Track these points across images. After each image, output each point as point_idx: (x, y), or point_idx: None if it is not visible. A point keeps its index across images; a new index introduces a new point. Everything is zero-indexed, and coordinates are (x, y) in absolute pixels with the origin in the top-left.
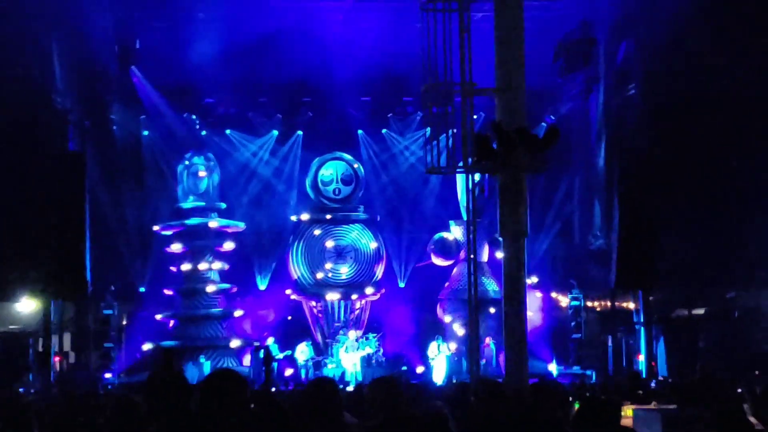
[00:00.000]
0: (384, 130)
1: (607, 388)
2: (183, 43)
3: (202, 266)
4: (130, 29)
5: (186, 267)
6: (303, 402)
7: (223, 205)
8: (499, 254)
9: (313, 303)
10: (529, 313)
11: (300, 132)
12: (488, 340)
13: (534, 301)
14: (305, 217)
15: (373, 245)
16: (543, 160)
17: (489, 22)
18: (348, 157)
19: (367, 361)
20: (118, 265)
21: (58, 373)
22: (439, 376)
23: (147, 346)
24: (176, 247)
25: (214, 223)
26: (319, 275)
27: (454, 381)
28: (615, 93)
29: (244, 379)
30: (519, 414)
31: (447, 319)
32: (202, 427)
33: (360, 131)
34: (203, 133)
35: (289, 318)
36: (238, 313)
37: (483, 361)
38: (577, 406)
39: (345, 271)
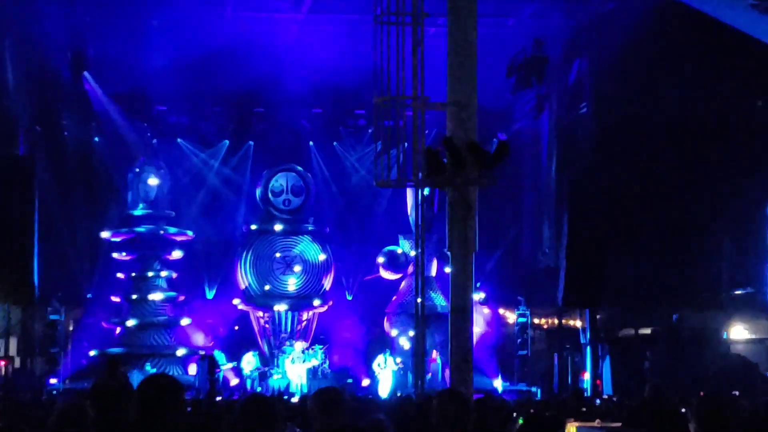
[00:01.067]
0: (335, 143)
1: (552, 405)
2: (136, 51)
3: (150, 274)
4: (83, 35)
5: (133, 274)
6: (237, 418)
7: (173, 214)
8: (448, 269)
9: (261, 313)
10: (477, 329)
11: (251, 142)
12: (435, 354)
13: (481, 317)
14: (254, 227)
15: (322, 257)
16: (492, 176)
17: (442, 38)
18: (299, 168)
19: (313, 372)
20: (66, 271)
21: (2, 378)
22: (384, 390)
23: (93, 353)
24: (124, 255)
25: (163, 232)
26: (267, 287)
27: (399, 394)
28: (566, 111)
29: (180, 385)
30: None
31: (394, 332)
32: None
33: (311, 143)
34: (154, 141)
35: (236, 328)
36: (184, 321)
37: (429, 375)
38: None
39: (293, 282)
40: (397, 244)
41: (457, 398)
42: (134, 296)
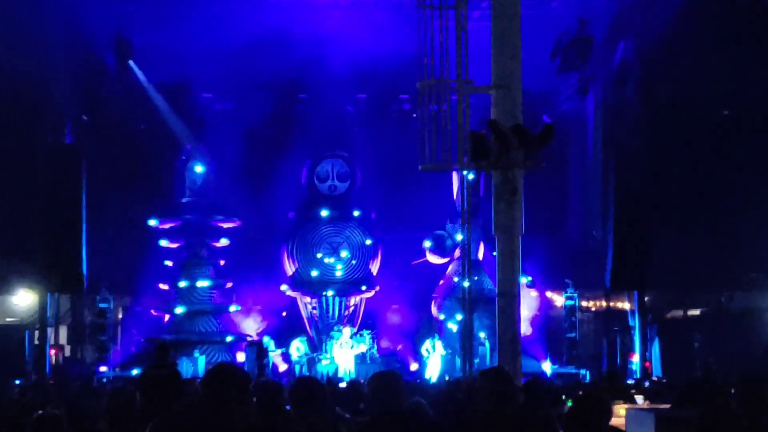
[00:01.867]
0: (380, 128)
1: (600, 387)
2: (180, 39)
3: (197, 262)
4: (128, 24)
5: (181, 262)
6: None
7: (219, 201)
8: (495, 253)
9: (308, 299)
10: (526, 312)
11: (296, 128)
12: (482, 337)
13: (531, 301)
14: (300, 214)
15: (368, 242)
16: (538, 158)
17: (486, 20)
18: (344, 153)
19: (361, 358)
20: (114, 259)
21: (53, 366)
22: (433, 374)
23: (144, 341)
24: (171, 242)
25: (211, 220)
26: (314, 273)
27: (447, 379)
28: (612, 93)
29: (246, 372)
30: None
31: (441, 316)
32: (207, 419)
33: (356, 128)
34: (200, 128)
35: (284, 314)
36: (233, 308)
37: (477, 360)
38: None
39: (340, 267)
40: (443, 228)
41: (501, 374)
42: (182, 284)
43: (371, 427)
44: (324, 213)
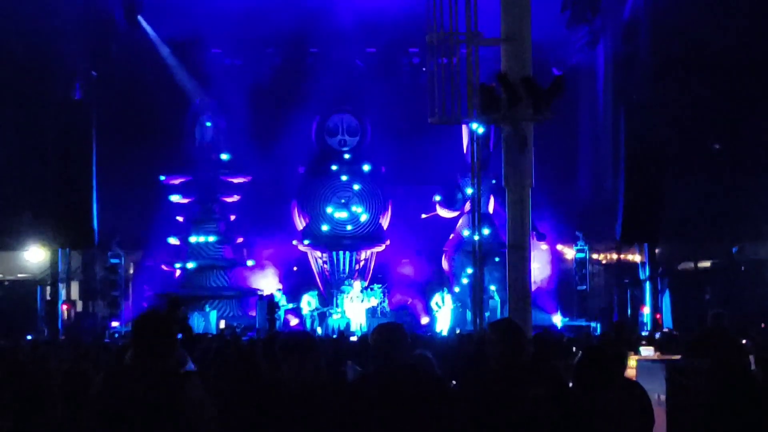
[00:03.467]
0: (389, 82)
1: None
2: None
3: (208, 217)
4: None
5: (192, 218)
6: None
7: (228, 156)
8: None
9: (319, 254)
10: (537, 265)
11: (305, 83)
12: (493, 290)
13: (542, 254)
14: (310, 168)
15: (379, 197)
16: (548, 111)
17: None
18: (353, 108)
19: (372, 311)
20: (125, 215)
21: (65, 322)
22: (443, 328)
23: (155, 296)
24: (182, 198)
25: (221, 175)
26: (324, 227)
27: (458, 332)
28: (622, 45)
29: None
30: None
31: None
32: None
33: (365, 82)
34: (209, 83)
35: (295, 269)
36: (248, 263)
37: (487, 313)
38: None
39: (351, 220)
40: (453, 182)
41: (511, 327)
42: (192, 239)
43: (371, 380)
44: (334, 167)
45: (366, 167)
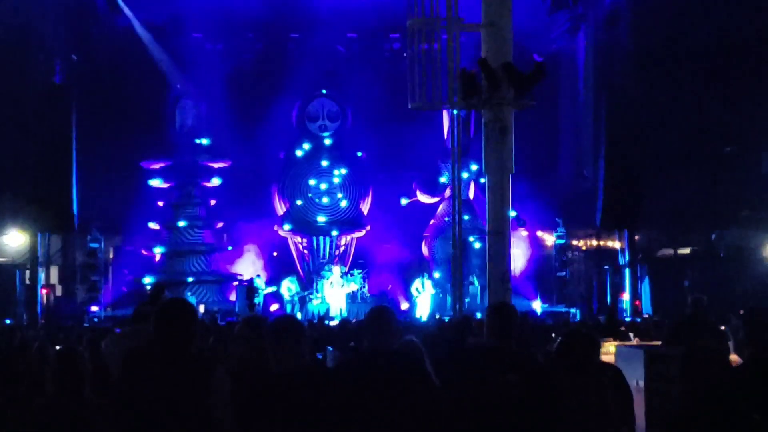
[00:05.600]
0: (370, 67)
1: (590, 326)
2: None
3: (188, 201)
4: None
5: (172, 202)
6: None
7: (209, 141)
8: None
9: (299, 239)
10: (517, 251)
11: (286, 68)
12: (473, 276)
13: (521, 240)
14: (291, 153)
15: (359, 182)
16: (529, 97)
17: None
18: (334, 93)
19: (351, 297)
20: (105, 200)
21: (45, 306)
22: (423, 313)
23: (147, 280)
24: (162, 182)
25: (202, 160)
26: (304, 211)
27: (438, 317)
28: (603, 32)
29: (193, 309)
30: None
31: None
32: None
33: (346, 67)
34: (190, 68)
35: (275, 254)
36: (227, 248)
37: (467, 299)
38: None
39: (330, 207)
40: (434, 167)
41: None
42: (173, 224)
43: (352, 364)
44: (315, 153)
45: (359, 153)
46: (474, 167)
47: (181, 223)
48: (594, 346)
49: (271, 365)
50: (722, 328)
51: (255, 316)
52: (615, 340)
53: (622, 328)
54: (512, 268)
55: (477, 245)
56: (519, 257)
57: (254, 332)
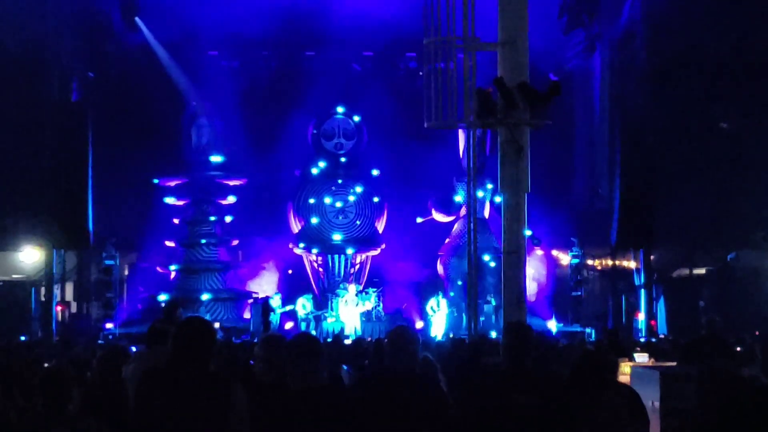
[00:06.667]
0: (386, 85)
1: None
2: None
3: (203, 219)
4: None
5: (187, 220)
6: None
7: (224, 158)
8: None
9: (314, 257)
10: (531, 271)
11: (302, 86)
12: (488, 296)
13: (537, 260)
14: (307, 171)
15: (375, 200)
16: (544, 116)
17: None
18: (350, 111)
19: (366, 315)
20: (120, 216)
21: (59, 323)
22: (438, 332)
23: (162, 297)
24: (177, 200)
25: (217, 177)
26: (319, 229)
27: (452, 336)
28: (619, 51)
29: (211, 327)
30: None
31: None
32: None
33: (362, 86)
34: (206, 85)
35: (290, 272)
36: (238, 266)
37: (482, 318)
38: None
39: (346, 225)
40: (450, 186)
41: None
42: (188, 241)
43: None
44: (331, 170)
45: (375, 172)
46: (489, 186)
47: (196, 241)
48: (611, 367)
49: (290, 383)
50: (738, 349)
51: (274, 335)
52: (629, 360)
53: (638, 349)
54: (528, 288)
55: (492, 264)
56: (534, 277)
57: (273, 351)
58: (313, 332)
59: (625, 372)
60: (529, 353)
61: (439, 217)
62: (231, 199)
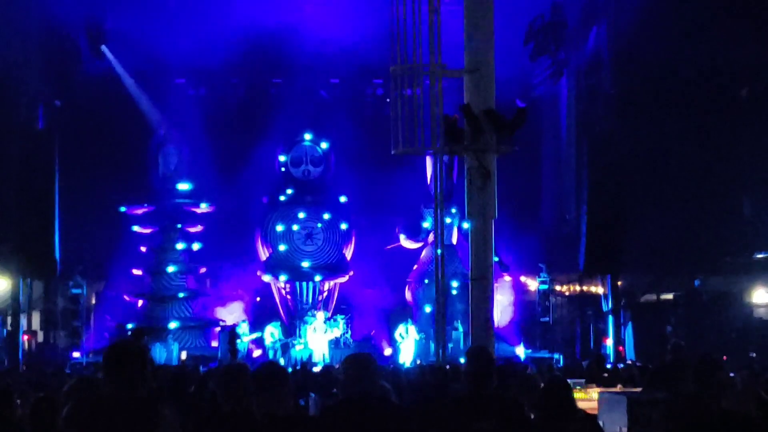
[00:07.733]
0: (353, 113)
1: (574, 371)
2: (153, 24)
3: (171, 247)
4: (100, 8)
5: (154, 248)
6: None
7: (191, 186)
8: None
9: (282, 284)
10: (499, 297)
11: (270, 113)
12: (456, 322)
13: (504, 287)
14: (274, 198)
15: (343, 227)
16: (511, 142)
17: (459, 4)
18: (317, 138)
19: (335, 342)
20: (87, 245)
21: (26, 352)
22: (406, 359)
23: (130, 326)
24: (144, 228)
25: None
26: (287, 257)
27: (419, 363)
28: (585, 77)
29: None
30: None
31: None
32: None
33: (329, 113)
34: (173, 113)
35: (258, 299)
36: (206, 294)
37: (450, 344)
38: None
39: (313, 252)
40: (417, 213)
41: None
42: (155, 269)
43: (337, 411)
44: (298, 198)
45: (342, 198)
46: (454, 211)
47: (164, 269)
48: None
49: (255, 412)
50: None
51: (235, 364)
52: (598, 386)
53: (605, 375)
54: (496, 315)
55: (454, 292)
56: (503, 303)
57: (232, 380)
58: (281, 360)
59: (592, 397)
60: (491, 379)
61: (407, 243)
62: (199, 227)
